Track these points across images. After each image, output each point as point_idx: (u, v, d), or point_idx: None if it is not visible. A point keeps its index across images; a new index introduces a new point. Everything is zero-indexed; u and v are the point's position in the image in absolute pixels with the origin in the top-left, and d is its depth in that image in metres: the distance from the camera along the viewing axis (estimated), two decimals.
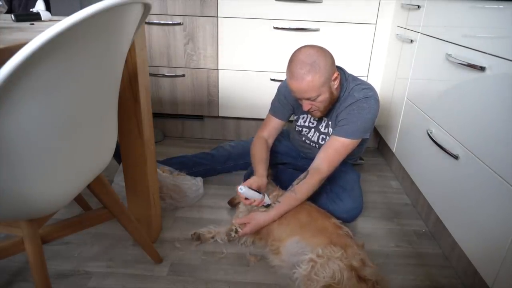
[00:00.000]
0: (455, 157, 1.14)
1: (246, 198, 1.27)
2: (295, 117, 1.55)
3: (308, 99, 1.28)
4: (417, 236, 1.39)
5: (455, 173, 1.16)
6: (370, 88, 1.36)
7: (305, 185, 1.29)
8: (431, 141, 1.30)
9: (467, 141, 1.10)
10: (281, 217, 1.25)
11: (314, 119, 1.48)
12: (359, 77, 1.43)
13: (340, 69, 1.38)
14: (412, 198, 1.62)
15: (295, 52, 1.27)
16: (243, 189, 1.24)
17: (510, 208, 0.90)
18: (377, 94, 1.37)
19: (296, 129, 1.56)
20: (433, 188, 1.33)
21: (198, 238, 1.29)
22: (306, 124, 1.51)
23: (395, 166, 1.85)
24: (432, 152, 1.31)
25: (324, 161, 1.32)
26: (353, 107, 1.32)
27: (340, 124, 1.34)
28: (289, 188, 1.31)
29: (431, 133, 1.32)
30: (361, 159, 1.88)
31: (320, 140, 1.49)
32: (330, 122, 1.44)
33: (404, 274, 1.20)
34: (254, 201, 1.27)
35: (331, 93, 1.30)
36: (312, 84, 1.22)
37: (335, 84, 1.30)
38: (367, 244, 1.26)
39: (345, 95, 1.36)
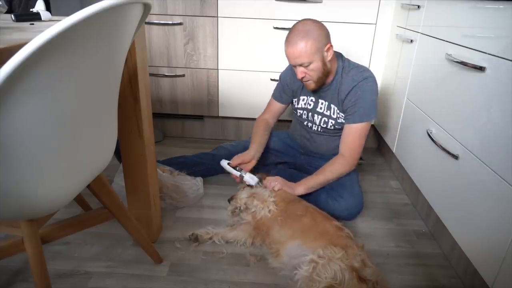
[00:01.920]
0: (455, 157, 1.14)
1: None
2: (295, 100, 1.60)
3: (301, 65, 1.36)
4: (417, 236, 1.39)
5: (455, 173, 1.16)
6: (365, 69, 1.45)
7: (328, 166, 1.42)
8: (431, 141, 1.30)
9: (467, 141, 1.10)
10: (284, 219, 1.25)
11: (311, 100, 1.53)
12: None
13: (337, 53, 1.48)
14: (412, 198, 1.62)
15: (298, 23, 1.38)
16: (223, 163, 1.44)
17: (510, 208, 0.90)
18: (372, 73, 1.45)
19: (297, 114, 1.61)
20: (433, 188, 1.33)
21: (196, 239, 1.29)
22: (305, 106, 1.56)
23: (395, 166, 1.85)
24: (432, 152, 1.31)
25: (346, 149, 1.44)
26: (356, 91, 1.41)
27: (350, 112, 1.42)
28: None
29: (431, 133, 1.32)
30: (361, 159, 1.88)
31: (322, 123, 1.54)
32: (332, 106, 1.49)
33: (404, 274, 1.20)
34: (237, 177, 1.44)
35: (323, 63, 1.38)
36: (305, 49, 1.32)
37: (328, 56, 1.38)
38: (367, 244, 1.26)
39: (342, 76, 1.44)
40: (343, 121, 1.47)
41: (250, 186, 1.42)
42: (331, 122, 1.50)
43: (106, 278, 1.14)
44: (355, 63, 1.48)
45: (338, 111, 1.47)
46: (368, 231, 1.41)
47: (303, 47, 1.32)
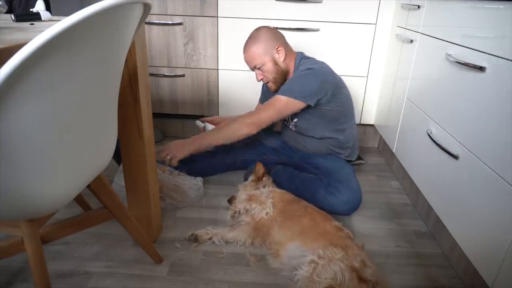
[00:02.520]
0: (455, 157, 1.14)
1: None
2: None
3: (255, 67, 1.52)
4: (417, 236, 1.39)
5: (455, 173, 1.16)
6: (317, 63, 1.52)
7: (230, 122, 1.54)
8: (431, 141, 1.30)
9: (467, 141, 1.10)
10: (283, 219, 1.25)
11: None
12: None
13: (299, 52, 1.59)
14: (412, 198, 1.62)
15: (253, 30, 1.53)
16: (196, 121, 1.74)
17: (510, 208, 0.90)
18: (326, 68, 1.51)
19: None
20: (433, 188, 1.33)
21: (195, 239, 1.29)
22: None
23: (395, 166, 1.85)
24: (432, 152, 1.31)
25: (254, 113, 1.53)
26: (294, 75, 1.52)
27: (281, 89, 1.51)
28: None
29: (431, 133, 1.32)
30: (361, 159, 1.88)
31: (294, 121, 1.60)
32: None
33: (404, 274, 1.20)
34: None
35: (275, 63, 1.51)
36: (253, 53, 1.49)
37: (280, 56, 1.51)
38: (367, 244, 1.26)
39: (295, 71, 1.53)
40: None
41: (201, 128, 1.71)
42: (295, 120, 1.57)
43: (106, 278, 1.14)
44: (313, 60, 1.53)
45: None
46: (368, 231, 1.41)
47: (253, 50, 1.49)
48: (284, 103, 1.45)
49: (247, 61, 1.53)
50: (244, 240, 1.29)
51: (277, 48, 1.49)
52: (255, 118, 1.47)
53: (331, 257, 1.02)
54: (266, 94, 1.70)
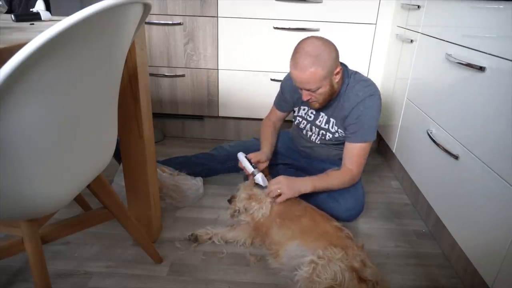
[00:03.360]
0: (455, 157, 1.14)
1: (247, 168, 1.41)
2: (296, 108, 1.57)
3: (308, 89, 1.30)
4: (417, 236, 1.39)
5: (455, 173, 1.16)
6: (371, 84, 1.39)
7: (338, 173, 1.39)
8: (431, 141, 1.30)
9: (467, 141, 1.10)
10: (283, 220, 1.24)
11: (312, 112, 1.50)
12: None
13: (342, 65, 1.40)
14: (412, 198, 1.62)
15: (301, 42, 1.28)
16: (240, 156, 1.42)
17: (510, 208, 0.90)
18: (378, 89, 1.40)
19: (296, 121, 1.58)
20: (433, 188, 1.33)
21: (195, 239, 1.29)
22: (305, 116, 1.53)
23: (395, 166, 1.85)
24: (432, 152, 1.31)
25: (353, 165, 1.39)
26: (359, 107, 1.35)
27: (352, 130, 1.38)
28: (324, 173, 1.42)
29: (431, 133, 1.32)
30: None
31: (321, 135, 1.50)
32: (331, 119, 1.44)
33: (404, 274, 1.20)
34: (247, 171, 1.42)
35: (331, 86, 1.32)
36: (314, 76, 1.24)
37: (337, 78, 1.32)
38: (367, 244, 1.26)
39: (347, 92, 1.38)
40: (342, 135, 1.44)
41: (258, 185, 1.37)
42: (329, 136, 1.47)
43: (106, 278, 1.14)
44: (360, 75, 1.42)
45: (336, 126, 1.44)
46: (368, 231, 1.41)
47: (313, 73, 1.23)
48: (369, 147, 1.40)
49: (300, 81, 1.28)
50: (244, 240, 1.29)
51: (337, 70, 1.29)
52: (357, 173, 1.40)
53: (331, 257, 1.02)
54: (287, 100, 1.55)
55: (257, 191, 1.37)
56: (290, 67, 1.28)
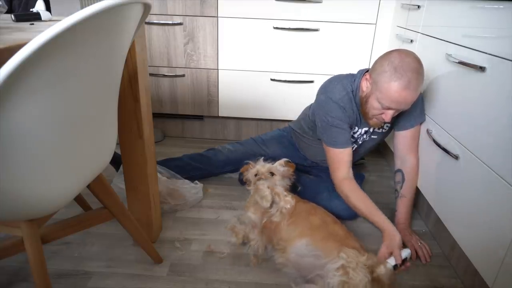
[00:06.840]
0: (455, 157, 1.14)
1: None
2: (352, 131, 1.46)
3: (401, 109, 1.24)
4: (417, 236, 1.39)
5: (455, 173, 1.16)
6: None
7: (409, 183, 1.39)
8: (431, 141, 1.30)
9: (467, 141, 1.10)
10: (292, 217, 1.20)
11: (365, 131, 1.47)
12: None
13: None
14: None
15: (408, 59, 1.19)
16: (390, 263, 1.10)
17: (510, 208, 0.90)
18: None
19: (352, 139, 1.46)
20: (433, 188, 1.33)
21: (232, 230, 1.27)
22: (359, 136, 1.48)
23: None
24: (432, 152, 1.31)
25: (410, 153, 1.41)
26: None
27: (406, 117, 1.38)
28: (396, 196, 1.41)
29: (431, 133, 1.32)
30: (362, 158, 1.88)
31: (366, 137, 1.50)
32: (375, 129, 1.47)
33: (404, 274, 1.20)
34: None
35: None
36: (418, 94, 1.21)
37: None
38: (367, 244, 1.26)
39: None
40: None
41: (394, 267, 1.11)
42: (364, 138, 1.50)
43: (106, 278, 1.14)
44: None
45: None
46: (368, 231, 1.41)
47: (418, 95, 1.21)
48: (418, 131, 1.42)
49: (405, 102, 1.20)
50: (258, 244, 1.23)
51: None
52: (416, 164, 1.42)
53: (357, 260, 1.01)
54: (347, 130, 1.38)
55: (276, 186, 1.29)
56: (398, 86, 1.17)
